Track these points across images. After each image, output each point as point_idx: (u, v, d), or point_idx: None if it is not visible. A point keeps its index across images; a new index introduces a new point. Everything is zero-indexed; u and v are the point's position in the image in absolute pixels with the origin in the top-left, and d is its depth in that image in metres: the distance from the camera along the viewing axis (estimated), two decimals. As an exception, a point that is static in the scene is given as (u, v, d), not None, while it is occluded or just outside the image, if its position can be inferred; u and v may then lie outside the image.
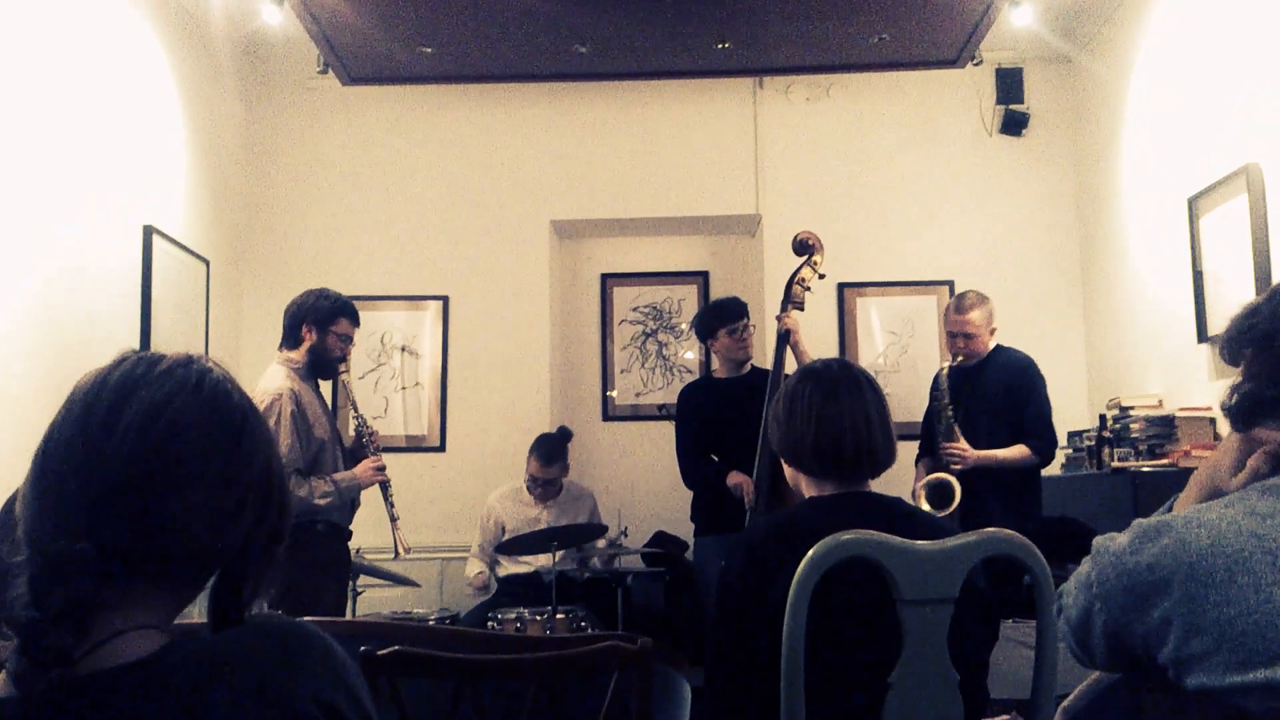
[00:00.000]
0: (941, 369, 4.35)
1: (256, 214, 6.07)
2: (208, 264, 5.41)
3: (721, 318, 4.57)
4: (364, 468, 3.91)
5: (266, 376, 3.82)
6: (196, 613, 1.19)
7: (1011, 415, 4.29)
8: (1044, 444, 4.26)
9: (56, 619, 0.94)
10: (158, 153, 4.99)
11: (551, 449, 5.18)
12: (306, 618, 1.15)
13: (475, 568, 5.32)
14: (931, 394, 4.46)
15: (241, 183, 5.99)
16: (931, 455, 4.37)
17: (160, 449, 1.02)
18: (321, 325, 3.86)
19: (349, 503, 3.94)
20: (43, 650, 0.93)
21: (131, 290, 4.67)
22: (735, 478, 4.30)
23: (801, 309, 4.30)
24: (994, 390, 4.31)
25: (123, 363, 1.08)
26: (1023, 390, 4.30)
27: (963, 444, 4.18)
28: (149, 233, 4.77)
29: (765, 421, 4.09)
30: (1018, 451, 4.22)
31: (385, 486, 3.96)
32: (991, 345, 4.39)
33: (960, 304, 4.35)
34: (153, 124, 4.95)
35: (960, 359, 4.32)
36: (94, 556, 0.97)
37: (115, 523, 0.99)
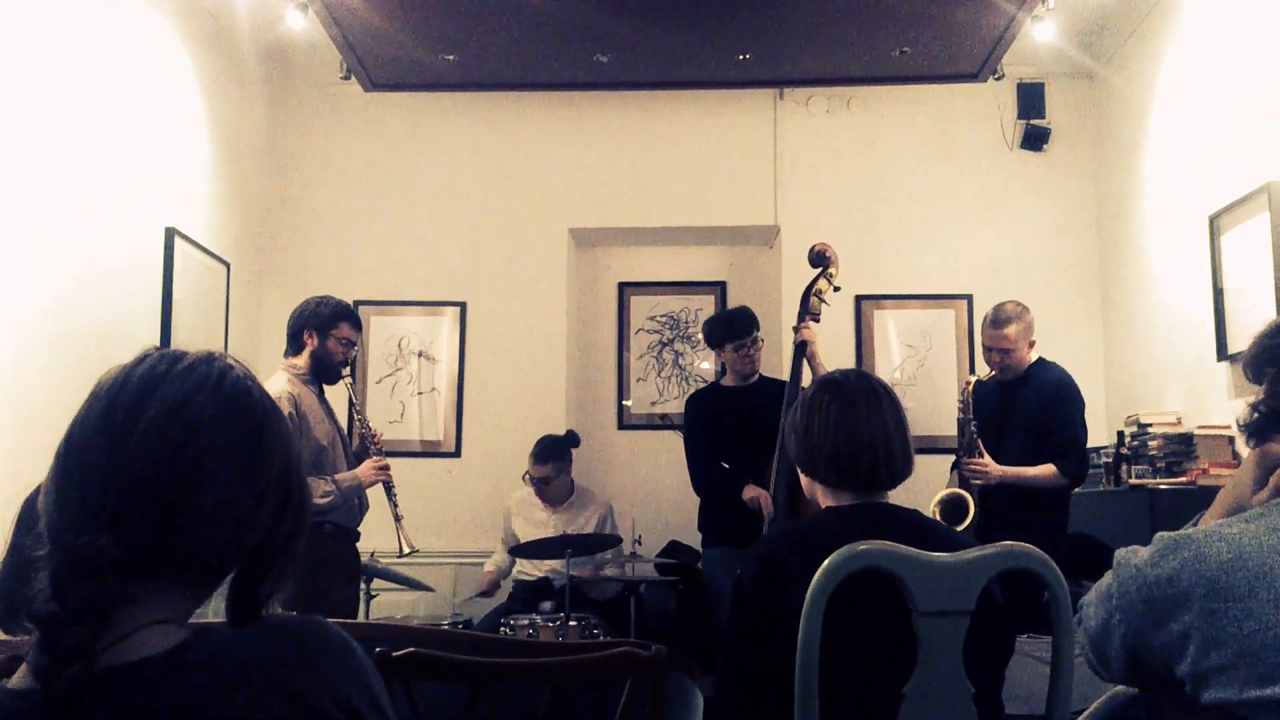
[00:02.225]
0: (969, 381, 4.24)
1: (277, 218, 6.10)
2: (228, 266, 5.44)
3: (728, 333, 4.54)
4: (365, 468, 3.96)
5: (267, 383, 3.84)
6: (211, 612, 1.20)
7: (1043, 432, 4.16)
8: (1072, 466, 4.10)
9: (77, 614, 0.94)
10: (180, 155, 5.02)
11: (545, 449, 5.18)
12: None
13: (492, 563, 5.36)
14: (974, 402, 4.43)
15: (263, 186, 6.02)
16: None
17: (182, 446, 1.03)
18: (322, 330, 3.94)
19: (354, 504, 3.98)
20: (63, 644, 0.94)
21: (152, 291, 4.70)
22: (751, 491, 4.26)
23: (818, 320, 4.29)
24: (1031, 406, 4.18)
25: (145, 359, 1.09)
26: (1057, 409, 4.16)
27: (985, 459, 4.08)
28: (171, 234, 4.80)
29: (782, 434, 4.08)
30: (1044, 471, 4.08)
31: (388, 486, 4.02)
32: (1032, 358, 4.25)
33: (996, 317, 4.19)
34: (176, 127, 4.99)
35: (994, 373, 4.21)
36: (115, 552, 0.97)
37: (136, 519, 1.00)
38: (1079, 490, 5.01)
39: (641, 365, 6.38)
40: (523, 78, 5.51)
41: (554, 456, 5.17)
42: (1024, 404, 4.21)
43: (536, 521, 5.23)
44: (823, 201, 6.02)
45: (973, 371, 4.31)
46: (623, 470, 6.25)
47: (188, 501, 1.02)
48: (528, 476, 5.21)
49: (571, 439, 5.32)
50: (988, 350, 4.23)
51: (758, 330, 4.57)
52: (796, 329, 4.27)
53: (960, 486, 4.14)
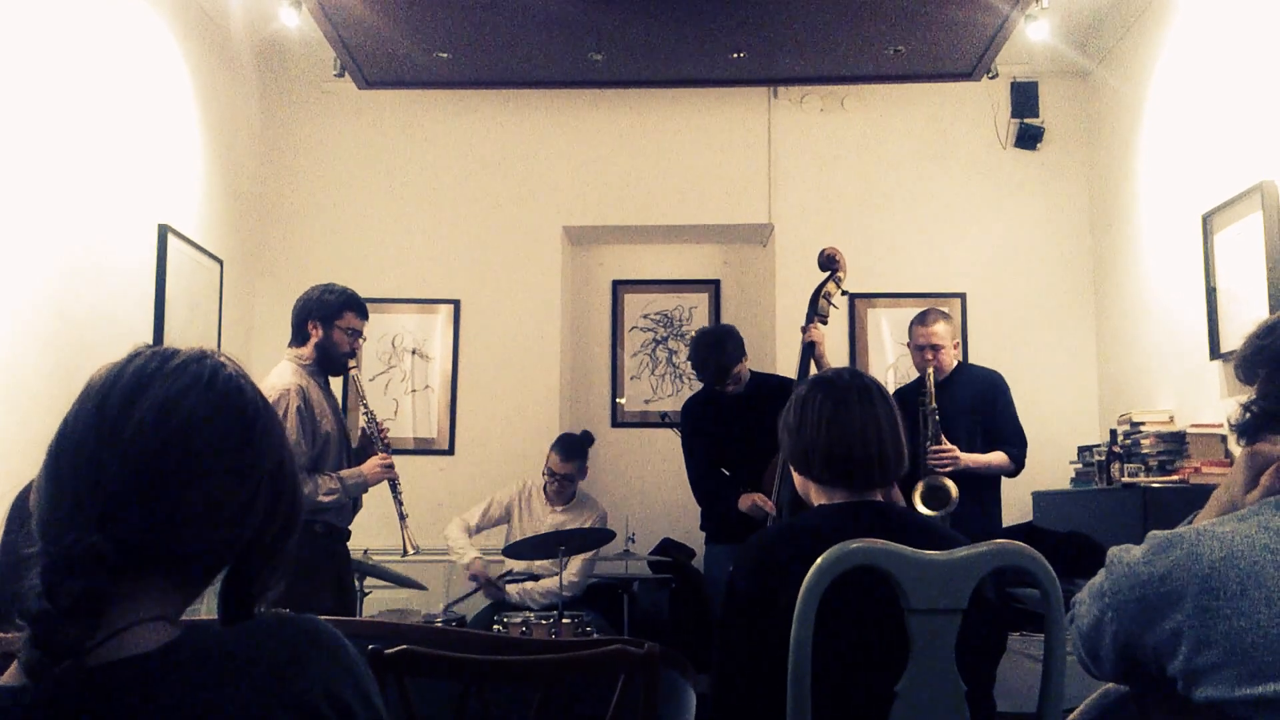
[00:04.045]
0: (929, 371, 4.33)
1: (270, 215, 6.09)
2: (221, 264, 5.43)
3: (703, 378, 4.48)
4: (371, 465, 3.84)
5: (274, 373, 3.78)
6: (204, 609, 1.20)
7: (985, 428, 4.38)
8: (1021, 453, 4.38)
9: (68, 611, 0.94)
10: (174, 152, 5.01)
11: (572, 445, 5.19)
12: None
13: (466, 546, 5.19)
14: (906, 399, 4.48)
15: (256, 184, 6.01)
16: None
17: (173, 443, 1.03)
18: (327, 320, 3.81)
19: (350, 503, 3.87)
20: (54, 642, 0.94)
21: (145, 289, 4.69)
22: (748, 500, 4.22)
23: (825, 322, 4.30)
24: (964, 404, 4.37)
25: (137, 357, 1.08)
26: (997, 403, 4.41)
27: (951, 446, 4.22)
28: (164, 231, 4.79)
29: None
30: (999, 457, 4.32)
31: (394, 484, 3.90)
32: (954, 361, 4.46)
33: (925, 318, 4.44)
34: (169, 124, 4.98)
35: (931, 368, 4.35)
36: (106, 550, 0.97)
37: (127, 516, 1.00)
38: (1070, 488, 5.04)
39: (635, 363, 6.39)
40: (517, 76, 5.50)
41: (579, 454, 5.18)
42: (958, 403, 4.36)
43: (536, 518, 5.22)
44: (817, 200, 6.03)
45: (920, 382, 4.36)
46: (616, 468, 6.25)
47: (178, 499, 1.02)
48: (548, 471, 5.18)
49: (589, 438, 5.33)
50: (919, 349, 4.40)
51: (736, 367, 4.38)
52: (805, 330, 4.27)
53: (922, 477, 4.21)
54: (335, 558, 3.86)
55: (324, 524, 3.74)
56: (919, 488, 4.18)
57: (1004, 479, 4.46)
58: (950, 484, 4.14)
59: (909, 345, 4.53)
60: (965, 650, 1.79)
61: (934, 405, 4.27)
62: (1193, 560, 1.33)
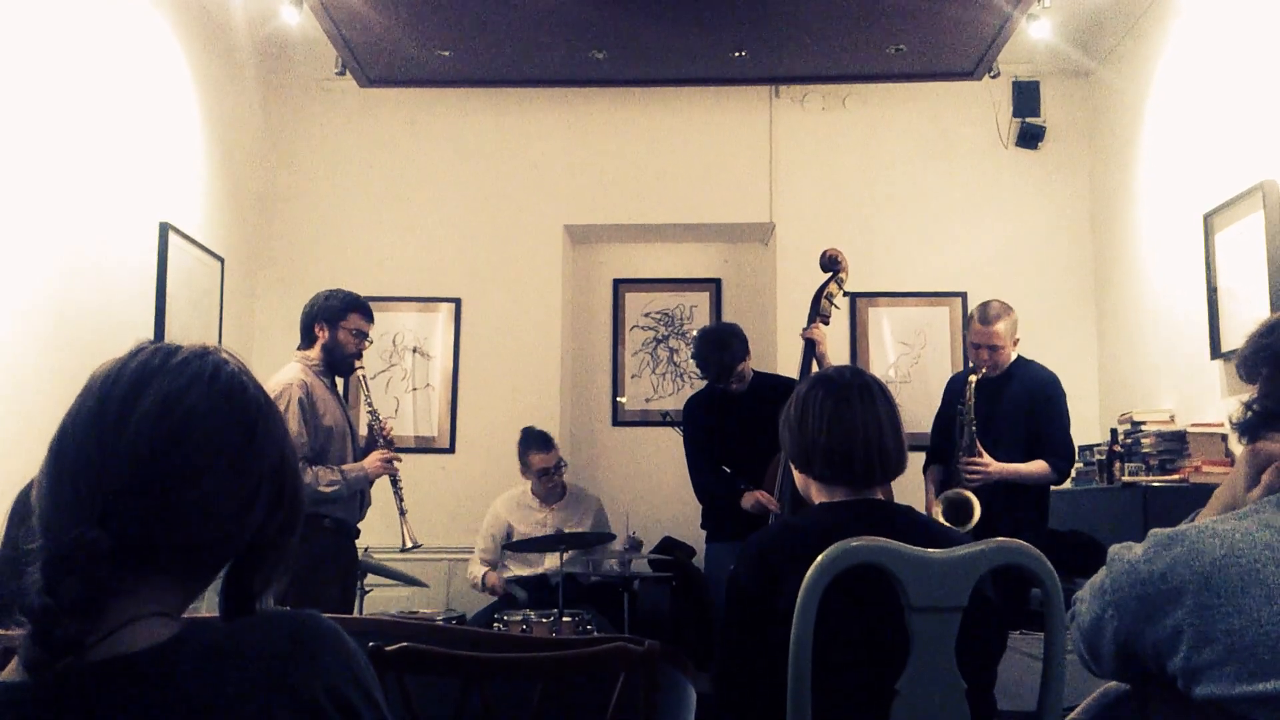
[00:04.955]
0: (971, 378, 4.21)
1: (272, 213, 6.09)
2: (222, 262, 5.43)
3: (705, 374, 4.52)
4: (372, 459, 3.92)
5: (281, 372, 3.87)
6: (204, 607, 1.20)
7: (1031, 430, 4.23)
8: (1064, 462, 4.21)
9: (69, 607, 0.94)
10: (175, 150, 5.01)
11: (541, 437, 5.21)
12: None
13: (480, 569, 5.30)
14: (948, 400, 4.44)
15: (258, 182, 6.01)
16: (943, 464, 4.35)
17: (175, 439, 1.02)
18: (333, 322, 3.90)
19: (357, 498, 3.93)
20: (55, 637, 0.93)
21: (146, 286, 4.69)
22: (750, 498, 4.24)
23: (827, 323, 4.30)
24: (1015, 404, 4.24)
25: (139, 353, 1.08)
26: (1047, 408, 4.24)
27: (985, 457, 4.11)
28: (165, 229, 4.80)
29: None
30: (1038, 467, 4.15)
31: (395, 479, 3.98)
32: (1013, 356, 4.32)
33: (985, 314, 4.25)
34: (171, 122, 4.98)
35: (984, 371, 4.24)
36: (107, 545, 0.97)
37: (129, 512, 1.00)
38: (1072, 487, 5.04)
39: (636, 362, 6.39)
40: (518, 74, 5.50)
41: (551, 442, 5.20)
42: (1010, 401, 4.24)
43: (535, 521, 5.22)
44: (818, 199, 6.02)
45: (972, 370, 4.28)
46: (617, 467, 6.25)
47: (180, 495, 1.02)
48: (533, 471, 5.18)
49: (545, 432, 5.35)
50: (976, 348, 4.27)
51: (740, 365, 4.42)
52: (807, 329, 4.27)
53: (954, 486, 4.16)
54: (343, 553, 3.92)
55: (332, 519, 3.80)
56: (938, 504, 4.13)
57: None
58: (974, 501, 4.05)
59: (965, 337, 4.41)
60: (965, 648, 1.79)
61: (972, 415, 4.13)
62: (1194, 558, 1.33)
